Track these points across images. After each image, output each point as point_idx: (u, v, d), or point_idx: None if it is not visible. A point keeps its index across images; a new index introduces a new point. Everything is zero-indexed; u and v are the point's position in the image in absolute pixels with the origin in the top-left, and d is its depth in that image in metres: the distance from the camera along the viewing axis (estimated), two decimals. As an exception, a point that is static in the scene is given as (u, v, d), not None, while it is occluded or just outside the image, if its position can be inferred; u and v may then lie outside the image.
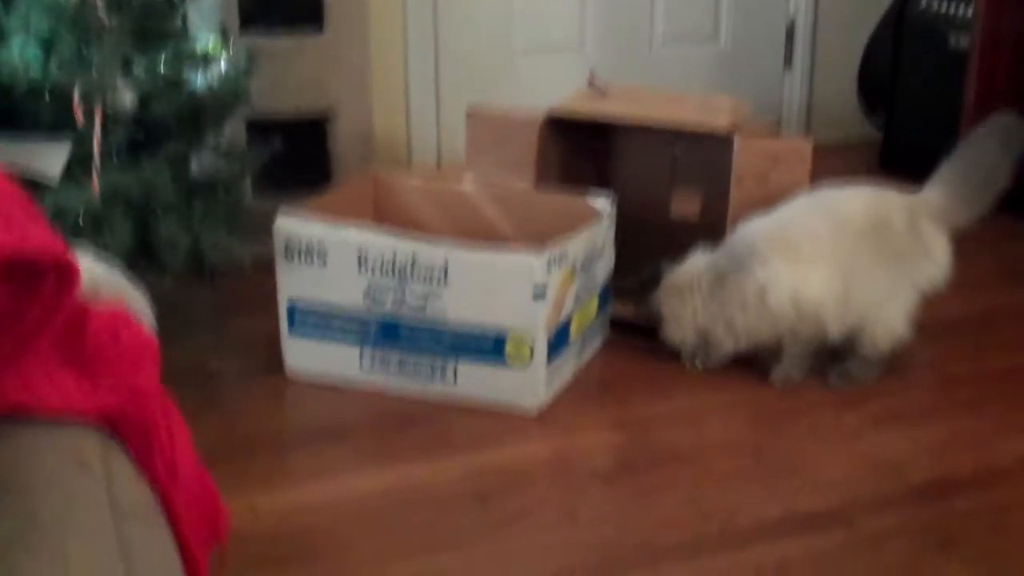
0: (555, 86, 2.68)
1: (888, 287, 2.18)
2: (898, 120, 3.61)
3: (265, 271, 2.25)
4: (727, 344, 2.23)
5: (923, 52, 3.49)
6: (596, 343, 2.38)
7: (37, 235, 0.78)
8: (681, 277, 2.25)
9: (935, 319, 2.39)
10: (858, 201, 2.21)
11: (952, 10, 3.39)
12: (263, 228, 2.21)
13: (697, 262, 2.26)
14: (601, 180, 2.66)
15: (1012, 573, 1.68)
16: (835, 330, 2.19)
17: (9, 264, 0.75)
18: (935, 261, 2.19)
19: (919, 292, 2.20)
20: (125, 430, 0.87)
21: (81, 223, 1.90)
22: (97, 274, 0.95)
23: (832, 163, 2.86)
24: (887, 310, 2.19)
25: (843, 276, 2.16)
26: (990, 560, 1.71)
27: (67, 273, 0.81)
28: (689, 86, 3.70)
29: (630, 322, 2.41)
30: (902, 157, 3.47)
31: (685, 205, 2.60)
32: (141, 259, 2.08)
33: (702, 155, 2.45)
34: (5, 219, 0.75)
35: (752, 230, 2.23)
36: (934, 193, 2.23)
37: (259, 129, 2.67)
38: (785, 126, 3.95)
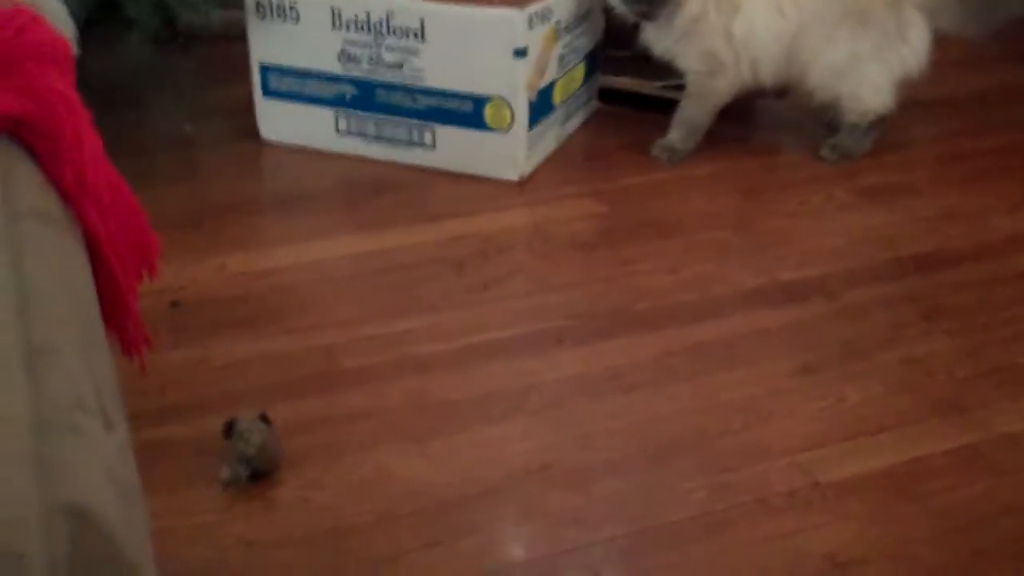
0: None
1: (853, 51, 2.07)
2: None
3: (241, 40, 2.16)
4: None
5: None
6: (583, 113, 2.30)
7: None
8: None
9: (936, 96, 2.31)
10: None
11: None
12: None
13: None
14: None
15: (992, 346, 1.64)
16: (767, 78, 2.11)
17: None
18: (910, 46, 2.08)
19: (892, 71, 2.09)
20: (30, 135, 0.81)
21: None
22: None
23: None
24: (857, 75, 2.08)
25: (796, 22, 2.06)
26: (972, 333, 1.67)
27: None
28: None
29: (622, 92, 2.33)
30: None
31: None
32: (106, 14, 2.00)
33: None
34: None
35: None
36: None
37: None
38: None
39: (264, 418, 1.38)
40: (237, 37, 2.17)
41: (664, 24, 2.06)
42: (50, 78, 0.83)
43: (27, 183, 0.78)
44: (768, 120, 2.38)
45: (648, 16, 2.04)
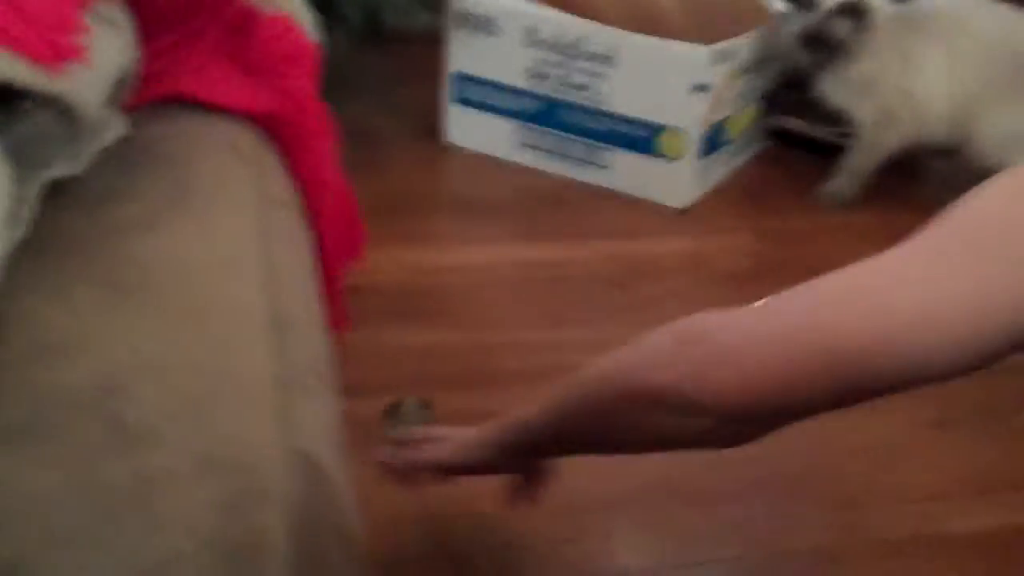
0: None
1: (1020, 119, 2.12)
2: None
3: (435, 42, 2.29)
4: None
5: None
6: (753, 150, 2.37)
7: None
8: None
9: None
10: None
11: None
12: (439, -1, 2.25)
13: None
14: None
15: None
16: (938, 138, 2.16)
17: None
18: None
19: None
20: (279, 130, 0.93)
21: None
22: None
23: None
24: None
25: (971, 87, 2.11)
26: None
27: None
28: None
29: (792, 134, 2.40)
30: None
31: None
32: (319, 10, 2.13)
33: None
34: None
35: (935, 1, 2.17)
36: None
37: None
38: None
39: (426, 403, 1.49)
40: (433, 39, 2.30)
41: (838, 79, 2.12)
42: (301, 80, 0.96)
43: (274, 173, 0.90)
44: (934, 177, 2.41)
45: (822, 65, 2.11)
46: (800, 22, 2.11)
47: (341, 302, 1.07)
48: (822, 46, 2.09)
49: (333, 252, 1.01)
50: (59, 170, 0.75)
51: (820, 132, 2.37)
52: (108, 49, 0.76)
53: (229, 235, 0.78)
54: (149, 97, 0.87)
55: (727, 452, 1.49)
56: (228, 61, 0.92)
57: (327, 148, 0.97)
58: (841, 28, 2.07)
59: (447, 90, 2.27)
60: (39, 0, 0.70)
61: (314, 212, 0.96)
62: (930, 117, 2.13)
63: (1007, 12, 2.15)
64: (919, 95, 2.11)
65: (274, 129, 0.93)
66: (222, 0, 0.89)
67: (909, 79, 2.11)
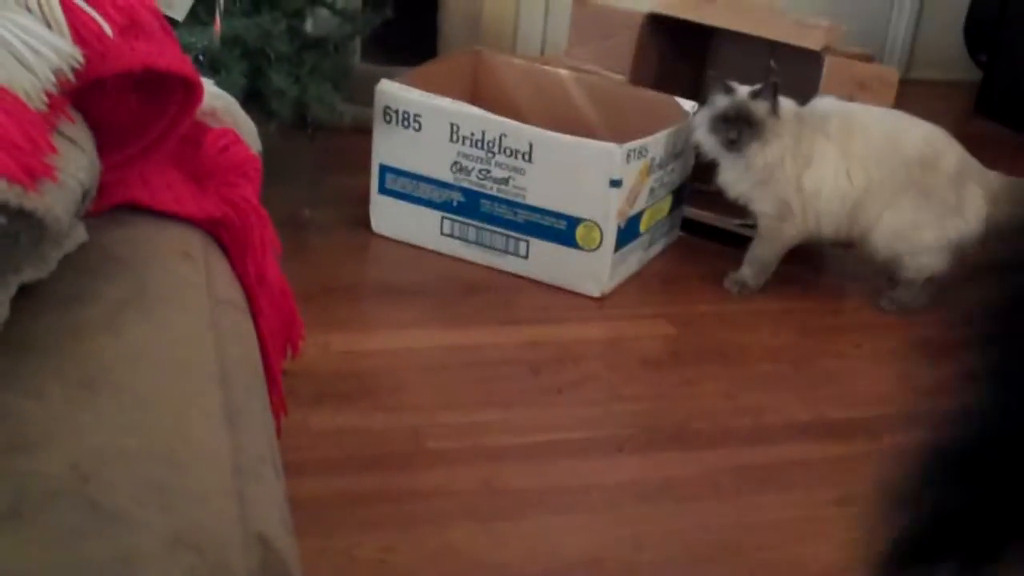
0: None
1: (913, 218, 2.25)
2: (1001, 64, 3.61)
3: (363, 133, 2.39)
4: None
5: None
6: (666, 240, 2.49)
7: (172, 53, 0.91)
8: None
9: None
10: (920, 133, 2.27)
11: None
12: (366, 91, 2.34)
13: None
14: (696, 84, 2.75)
15: None
16: (831, 232, 2.30)
17: (146, 72, 0.88)
18: (965, 219, 2.25)
19: (948, 237, 2.26)
20: (225, 234, 1.01)
21: (201, 61, 2.04)
22: (216, 100, 1.09)
23: (928, 99, 2.91)
24: (916, 239, 2.26)
25: (862, 187, 2.24)
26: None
27: (193, 91, 0.95)
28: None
29: (705, 225, 2.52)
30: (1001, 102, 3.49)
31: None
32: (251, 104, 2.22)
33: (794, 71, 2.52)
34: (148, 34, 0.88)
35: (828, 105, 2.31)
36: (998, 176, 2.29)
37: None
38: (888, 59, 3.97)
39: None
40: (361, 131, 2.39)
41: (742, 168, 2.26)
42: (245, 189, 1.04)
43: (222, 275, 0.98)
44: (834, 266, 2.56)
45: (735, 146, 2.23)
46: (723, 104, 2.23)
47: (279, 389, 1.14)
48: (742, 124, 2.21)
49: (273, 345, 1.09)
50: (28, 275, 0.82)
51: (727, 223, 2.50)
52: (74, 168, 0.84)
53: (183, 334, 0.85)
54: (106, 205, 0.95)
55: (648, 528, 1.59)
56: (178, 171, 1.00)
57: (268, 250, 1.05)
58: (760, 108, 2.21)
59: (373, 181, 2.36)
60: (13, 126, 0.77)
61: (256, 309, 1.04)
62: (823, 213, 2.27)
63: (895, 116, 2.30)
64: (809, 190, 2.25)
65: (220, 233, 1.01)
66: (175, 119, 0.97)
67: (803, 175, 2.24)
